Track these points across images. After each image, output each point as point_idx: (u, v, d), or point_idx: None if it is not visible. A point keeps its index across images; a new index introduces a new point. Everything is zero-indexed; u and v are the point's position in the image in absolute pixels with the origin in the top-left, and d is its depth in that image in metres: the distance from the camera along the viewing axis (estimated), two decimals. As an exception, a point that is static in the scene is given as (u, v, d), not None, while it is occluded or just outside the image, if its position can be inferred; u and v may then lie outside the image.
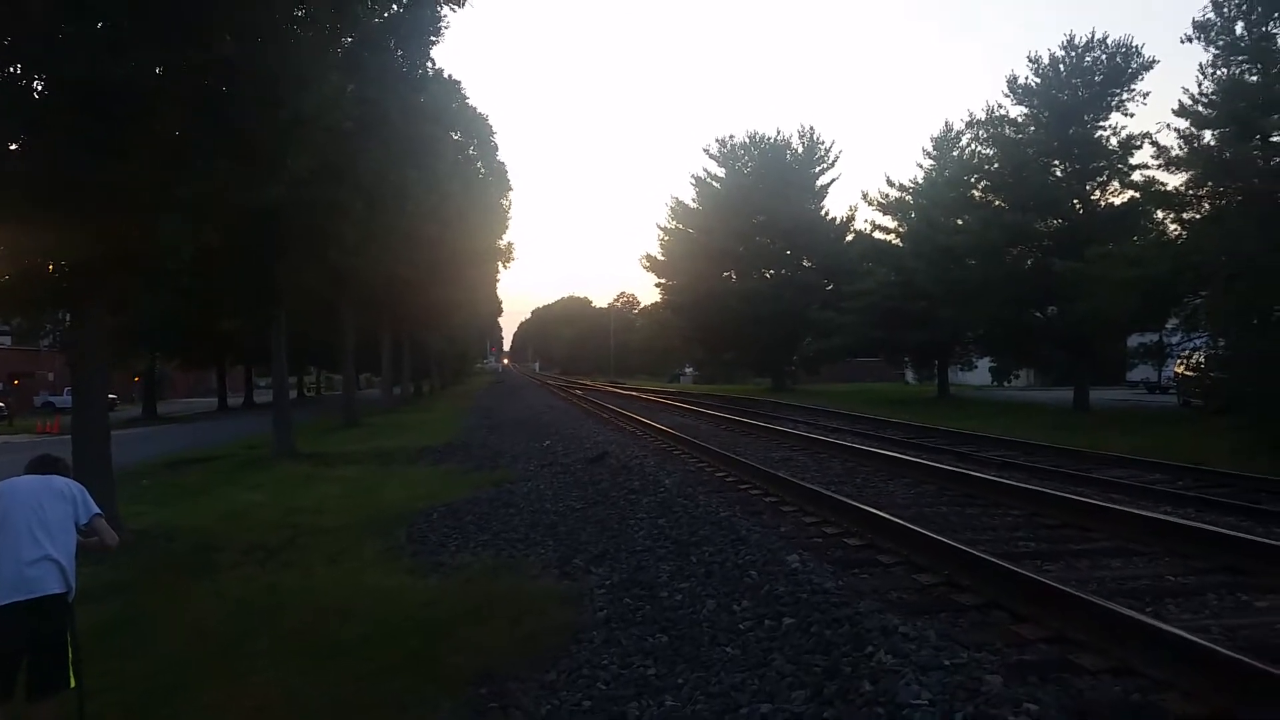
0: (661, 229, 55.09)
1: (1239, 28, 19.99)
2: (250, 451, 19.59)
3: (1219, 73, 20.55)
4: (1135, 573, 6.10)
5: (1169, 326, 24.40)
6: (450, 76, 27.87)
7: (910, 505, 8.94)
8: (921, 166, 38.42)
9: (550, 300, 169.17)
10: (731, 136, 53.12)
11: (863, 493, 9.74)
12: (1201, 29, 20.71)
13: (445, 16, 17.81)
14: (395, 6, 17.18)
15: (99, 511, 4.49)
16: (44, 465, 4.51)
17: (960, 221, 31.94)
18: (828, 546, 7.18)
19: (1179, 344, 24.59)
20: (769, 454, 14.13)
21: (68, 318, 12.74)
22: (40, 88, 9.02)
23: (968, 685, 3.85)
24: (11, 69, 8.66)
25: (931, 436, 17.30)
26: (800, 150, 50.79)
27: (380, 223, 18.55)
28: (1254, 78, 19.71)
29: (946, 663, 4.09)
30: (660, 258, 55.11)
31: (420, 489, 12.71)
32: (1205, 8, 20.56)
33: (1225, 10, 20.16)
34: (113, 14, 8.65)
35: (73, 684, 4.06)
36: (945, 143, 37.40)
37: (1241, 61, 20.18)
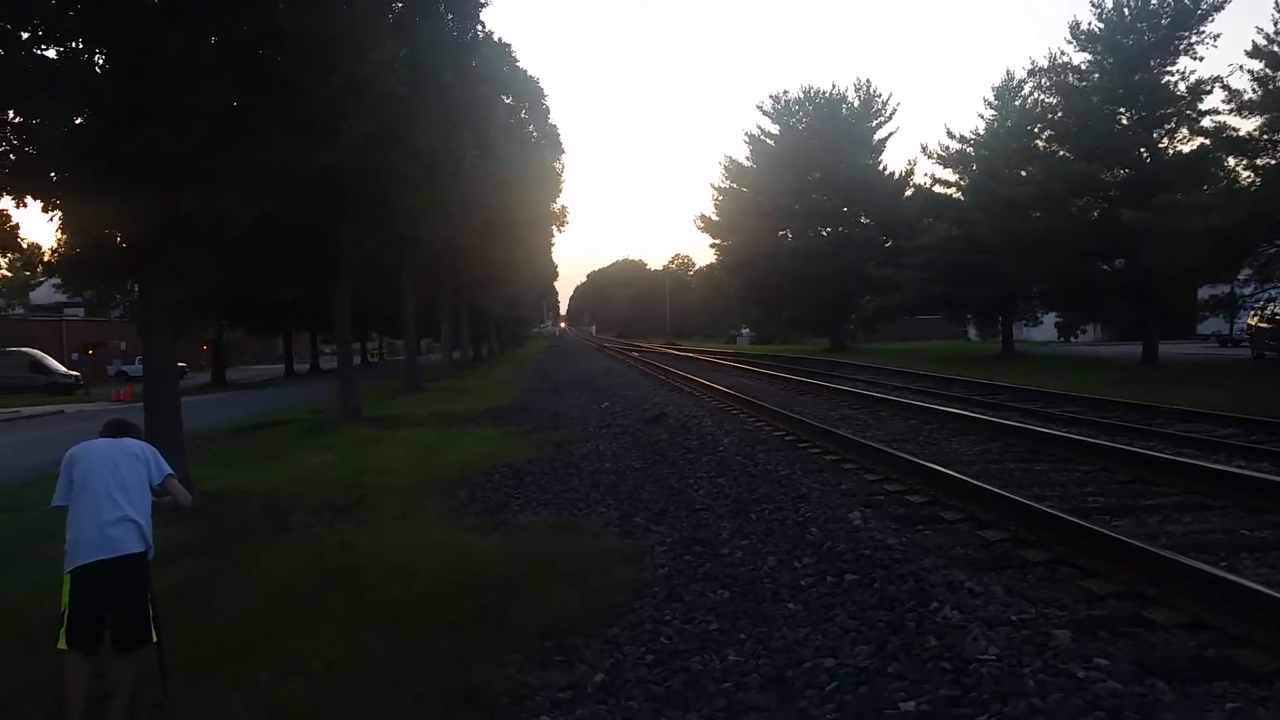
0: (716, 188, 54.66)
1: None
2: (317, 416, 20.02)
3: (1295, 10, 19.55)
4: (1208, 527, 5.96)
5: (1241, 277, 23.54)
6: (500, 40, 27.80)
7: (975, 462, 8.82)
8: (983, 117, 37.43)
9: (605, 264, 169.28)
10: (786, 92, 52.29)
11: (925, 450, 9.64)
12: (1277, -37, 19.70)
13: (495, -23, 17.72)
14: (446, -31, 17.15)
15: (171, 472, 4.64)
16: (118, 429, 4.66)
17: (1024, 173, 31.07)
18: (890, 504, 7.13)
19: (1252, 295, 23.74)
20: (828, 412, 14.03)
21: (136, 289, 13.10)
22: (101, 61, 9.21)
23: (1035, 640, 3.80)
24: (74, 43, 8.84)
25: (996, 393, 17.01)
26: (856, 104, 49.74)
27: (437, 187, 18.68)
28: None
29: (1014, 618, 4.04)
30: (715, 218, 54.66)
31: (482, 450, 12.88)
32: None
33: (1304, -58, 19.13)
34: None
35: (154, 639, 4.22)
36: (1007, 92, 36.29)
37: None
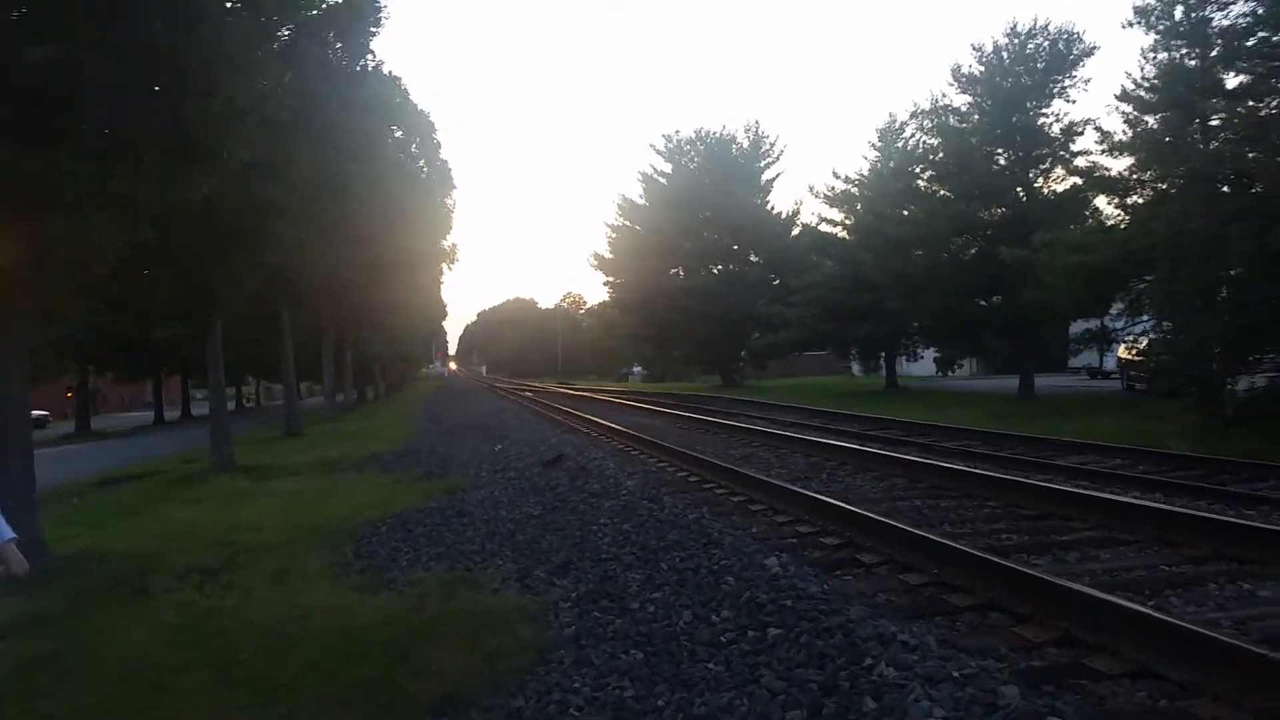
0: (610, 226, 54.81)
1: (1178, 12, 20.20)
2: (187, 466, 18.76)
3: (1160, 57, 20.77)
4: (1127, 563, 5.87)
5: (1113, 312, 24.67)
6: (391, 73, 27.17)
7: (882, 499, 8.67)
8: (866, 159, 38.59)
9: (495, 302, 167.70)
10: (678, 132, 53.02)
11: (830, 487, 9.46)
12: (1142, 14, 20.88)
13: (385, 6, 17.21)
14: (334, -2, 16.53)
15: (12, 536, 3.96)
16: None
17: (906, 212, 32.06)
18: (804, 547, 6.86)
19: (1123, 329, 24.89)
20: (729, 450, 13.82)
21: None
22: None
23: (982, 699, 3.51)
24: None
25: (888, 427, 17.19)
26: (745, 145, 50.85)
27: (320, 221, 17.86)
28: (1193, 61, 19.93)
29: (955, 674, 3.76)
30: (608, 255, 54.79)
31: (367, 500, 12.14)
32: (1147, -8, 20.76)
33: (1165, -6, 20.36)
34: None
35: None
36: (890, 134, 37.51)
37: (1181, 46, 20.39)
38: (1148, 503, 7.25)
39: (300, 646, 5.93)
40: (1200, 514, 6.53)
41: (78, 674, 5.77)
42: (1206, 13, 19.88)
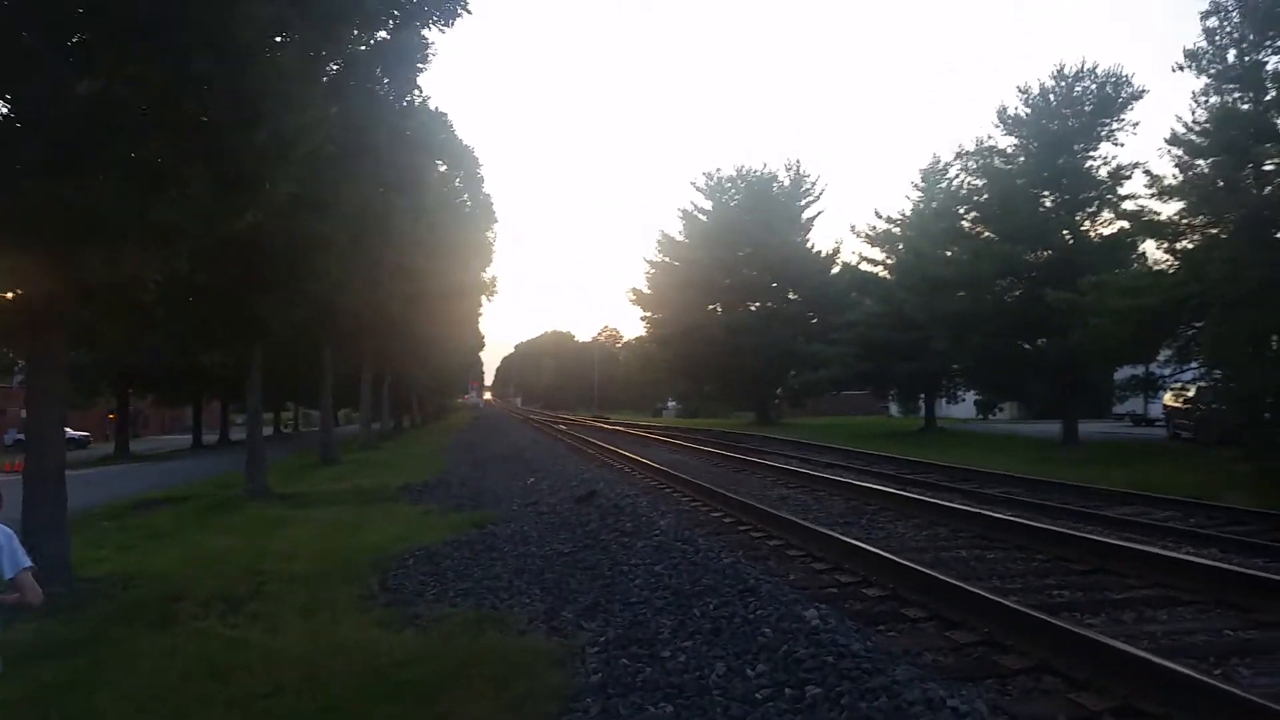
0: (649, 262, 54.93)
1: (1230, 55, 19.85)
2: (223, 491, 18.82)
3: (1211, 100, 20.38)
4: (1188, 626, 5.56)
5: (1160, 358, 24.10)
6: (436, 108, 27.49)
7: (926, 549, 8.37)
8: (909, 199, 38.32)
9: (533, 335, 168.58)
10: (718, 170, 53.20)
11: (871, 534, 9.18)
12: (1193, 57, 20.56)
13: (433, 44, 17.35)
14: (383, 32, 16.73)
15: (28, 565, 3.86)
16: None
17: (949, 253, 31.74)
18: (845, 598, 6.60)
19: (1170, 376, 24.29)
20: (765, 492, 13.55)
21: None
22: (2, 108, 8.45)
23: (1040, 776, 3.25)
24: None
25: (929, 472, 16.80)
26: (786, 183, 50.86)
27: (365, 255, 17.96)
28: (1246, 105, 19.55)
29: (1009, 746, 3.50)
30: (647, 290, 54.84)
31: (398, 531, 12.04)
32: (1197, 36, 20.45)
33: (1217, 38, 20.02)
34: (77, 26, 8.11)
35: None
36: (933, 174, 37.30)
37: (1233, 89, 20.02)
38: (1207, 560, 6.89)
39: (323, 684, 5.78)
40: (1264, 574, 6.18)
41: (98, 704, 5.66)
42: (1261, 56, 19.52)
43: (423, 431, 54.03)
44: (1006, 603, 5.51)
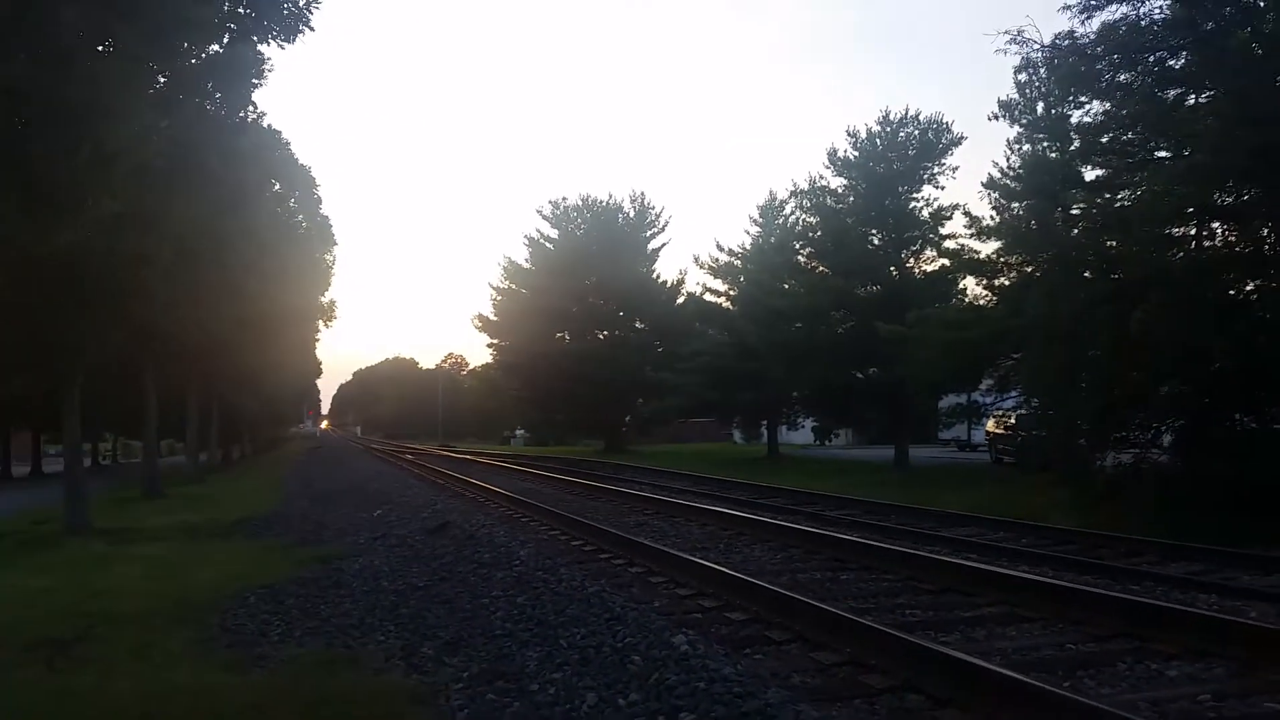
0: (494, 288, 54.37)
1: (1040, 108, 21.61)
2: (38, 527, 17.16)
3: (1024, 148, 22.12)
4: (1034, 642, 5.90)
5: (983, 387, 25.77)
6: (271, 126, 26.32)
7: (782, 571, 8.58)
8: (749, 233, 39.55)
9: (373, 361, 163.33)
10: (564, 198, 53.42)
11: (730, 558, 9.33)
12: (1006, 108, 22.25)
13: (269, 59, 16.65)
14: (216, 46, 15.91)
15: None
16: None
17: (787, 286, 32.97)
18: (711, 622, 6.64)
19: (992, 404, 26.00)
20: (622, 519, 13.56)
21: None
22: None
23: (918, 792, 3.34)
24: None
25: (776, 496, 17.30)
26: (632, 214, 51.59)
27: (192, 275, 16.93)
28: (1054, 154, 21.29)
29: (886, 764, 3.58)
30: (493, 317, 54.26)
31: (235, 569, 11.27)
32: (1011, 89, 22.19)
33: (1028, 92, 21.76)
34: None
35: None
36: (770, 210, 38.67)
37: (1043, 139, 21.78)
38: (1043, 579, 7.35)
39: (162, 736, 5.31)
40: (1098, 591, 6.65)
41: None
42: (1065, 110, 21.35)
43: (255, 462, 51.22)
44: (864, 621, 5.69)
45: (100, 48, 9.56)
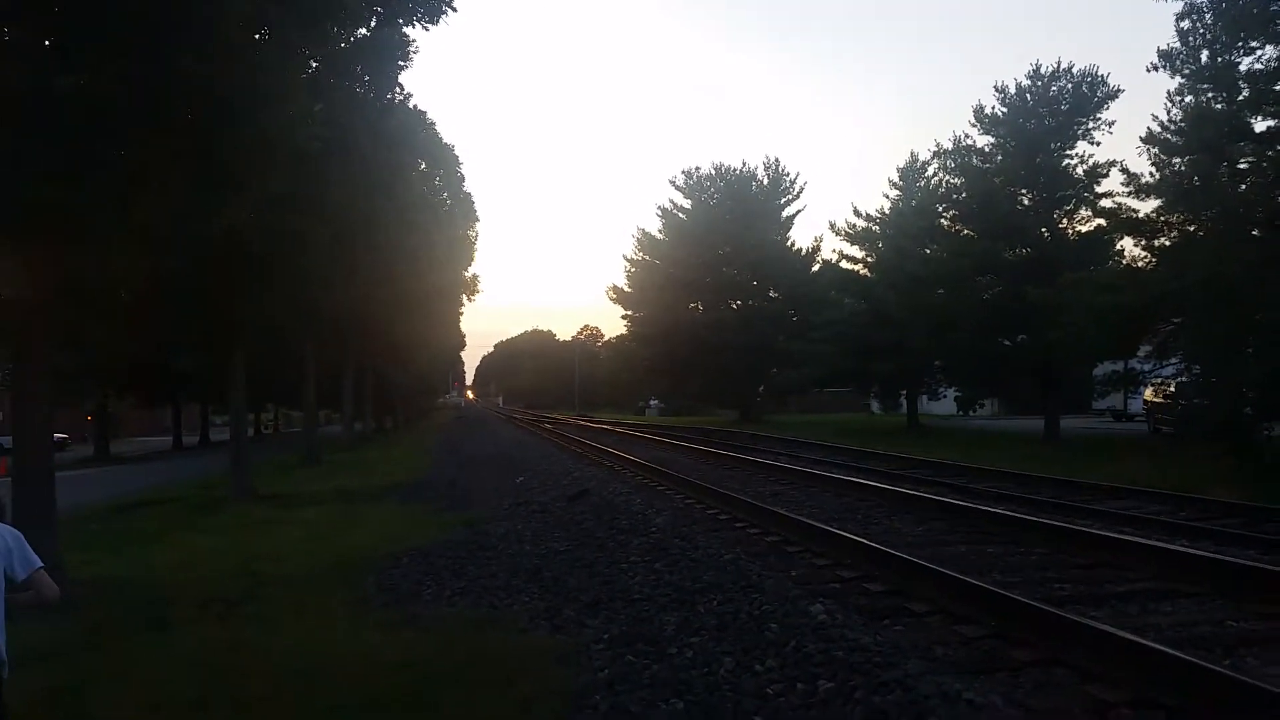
0: (628, 260, 54.87)
1: (1204, 56, 20.05)
2: (206, 493, 18.62)
3: (1186, 100, 20.59)
4: (1191, 618, 5.60)
5: (1140, 354, 24.33)
6: (416, 106, 27.30)
7: (924, 544, 8.40)
8: (888, 197, 38.40)
9: (513, 333, 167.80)
10: (698, 168, 53.21)
11: (868, 530, 9.20)
12: (1167, 58, 20.73)
13: (414, 41, 17.25)
14: (363, 30, 16.59)
15: (40, 564, 3.76)
16: None
17: (929, 251, 31.92)
18: (849, 593, 6.60)
19: (1150, 372, 24.53)
20: (758, 488, 13.56)
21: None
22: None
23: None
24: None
25: (917, 468, 16.89)
26: (765, 182, 50.92)
27: (347, 255, 17.82)
28: (1220, 105, 19.75)
29: (1032, 737, 3.51)
30: (627, 289, 54.80)
31: (388, 531, 11.94)
32: (1171, 37, 20.66)
33: (1191, 39, 20.20)
34: (60, 22, 7.98)
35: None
36: (911, 173, 37.43)
37: (1207, 89, 20.22)
38: (1197, 552, 6.96)
39: (325, 687, 5.71)
40: (1259, 566, 6.25)
41: (99, 709, 5.58)
42: (1233, 57, 19.72)
43: (405, 432, 53.71)
44: (1010, 595, 5.54)
45: (257, 35, 10.13)
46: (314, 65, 14.80)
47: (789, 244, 50.84)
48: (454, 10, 15.54)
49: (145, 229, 8.49)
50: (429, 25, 16.04)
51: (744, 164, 51.83)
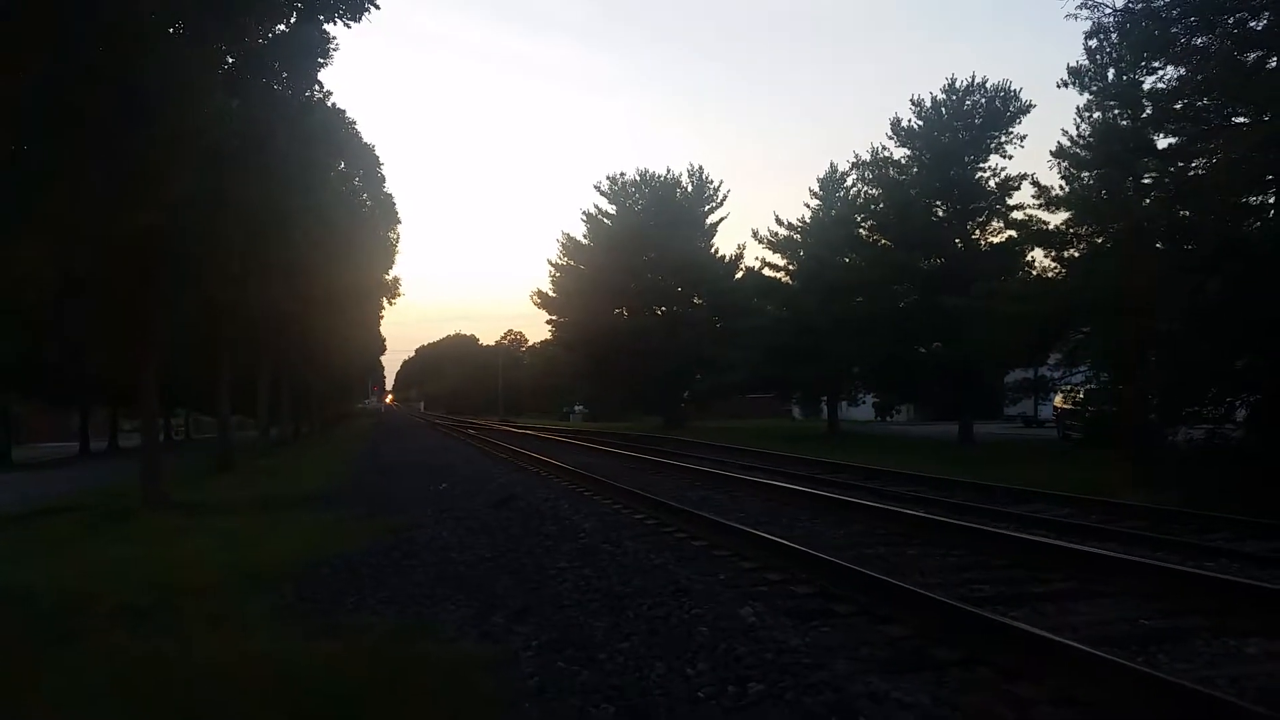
0: (553, 265, 54.64)
1: (1110, 74, 20.96)
2: (116, 500, 17.85)
3: (1094, 116, 21.51)
4: (1105, 616, 5.83)
5: (1050, 362, 25.25)
6: (336, 105, 26.74)
7: (847, 546, 8.57)
8: (809, 206, 39.09)
9: (435, 338, 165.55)
10: (622, 174, 53.29)
11: (793, 532, 9.33)
12: (1076, 74, 21.62)
13: (335, 39, 16.92)
14: (283, 25, 16.20)
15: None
16: None
17: (848, 259, 32.61)
18: (776, 596, 6.68)
19: (1060, 379, 25.48)
20: (684, 493, 13.63)
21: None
22: None
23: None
24: None
25: (838, 472, 17.21)
26: (689, 189, 51.29)
27: (264, 253, 17.36)
28: (1125, 121, 20.65)
29: (958, 735, 3.60)
30: (551, 294, 54.56)
31: (308, 539, 11.63)
32: (1080, 55, 21.56)
33: (1098, 58, 21.11)
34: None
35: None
36: (831, 183, 38.16)
37: (1114, 106, 21.14)
38: (1113, 554, 7.25)
39: (242, 699, 5.54)
40: (1166, 565, 6.55)
41: (2, 728, 5.32)
42: (1137, 76, 20.65)
43: (323, 437, 52.48)
44: (931, 595, 5.69)
45: (171, 29, 9.82)
46: (230, 61, 14.43)
47: (713, 251, 51.30)
48: (377, 8, 15.27)
49: (55, 228, 8.15)
50: (350, 22, 15.75)
51: (668, 170, 52.20)
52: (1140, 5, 16.19)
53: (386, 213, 37.36)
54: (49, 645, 6.87)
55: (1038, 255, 25.87)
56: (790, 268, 39.50)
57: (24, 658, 6.58)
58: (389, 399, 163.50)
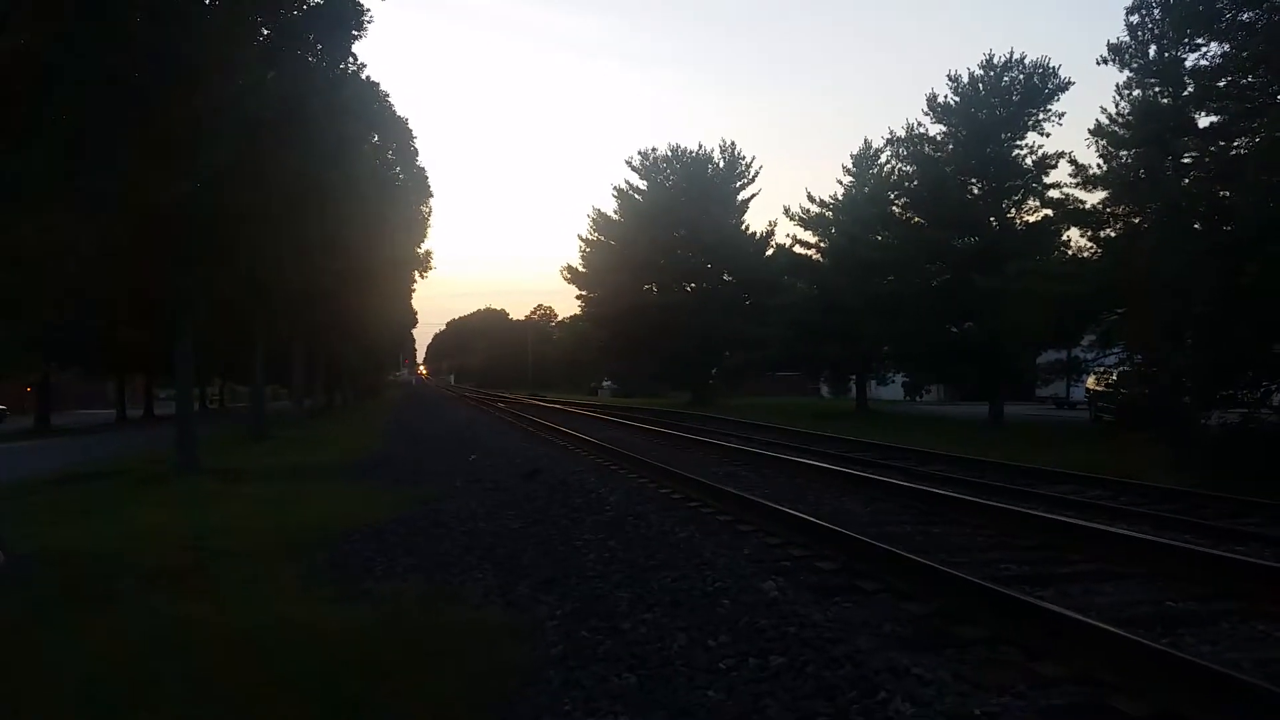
0: (583, 240, 54.68)
1: (1152, 51, 20.47)
2: (152, 466, 18.21)
3: (1134, 94, 21.04)
4: (1133, 598, 5.80)
5: (1084, 343, 24.91)
6: (370, 78, 26.82)
7: (873, 523, 8.57)
8: (841, 183, 38.73)
9: (466, 312, 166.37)
10: (654, 149, 53.06)
11: (819, 509, 9.33)
12: (1116, 51, 21.12)
13: (369, 10, 16.96)
14: (316, -3, 16.25)
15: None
16: None
17: (880, 237, 32.29)
18: (800, 571, 6.71)
19: (1093, 360, 25.14)
20: (710, 469, 13.68)
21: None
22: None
23: (1008, 738, 3.38)
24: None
25: (866, 450, 17.16)
26: (721, 165, 50.97)
27: (297, 228, 17.50)
28: (1166, 100, 20.19)
29: (976, 711, 3.63)
30: (581, 269, 54.61)
31: (339, 507, 11.82)
32: (1121, 31, 21.07)
33: (1139, 34, 20.61)
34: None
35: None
36: (864, 160, 37.79)
37: (1154, 84, 20.66)
38: (1143, 536, 7.19)
39: (275, 661, 5.66)
40: (1198, 549, 6.49)
41: (42, 686, 5.47)
42: (1179, 53, 20.16)
43: (355, 408, 53.09)
44: (957, 574, 5.68)
45: (208, 1, 9.88)
46: (265, 33, 14.50)
47: (744, 228, 51.03)
48: (411, -22, 15.23)
49: (92, 198, 8.27)
50: (381, -10, 15.73)
51: (700, 146, 52.04)
52: (1184, -21, 15.78)
53: (419, 186, 37.53)
54: (88, 605, 7.05)
55: (1073, 235, 25.48)
56: (821, 245, 39.21)
57: (66, 619, 6.76)
58: (421, 371, 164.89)
